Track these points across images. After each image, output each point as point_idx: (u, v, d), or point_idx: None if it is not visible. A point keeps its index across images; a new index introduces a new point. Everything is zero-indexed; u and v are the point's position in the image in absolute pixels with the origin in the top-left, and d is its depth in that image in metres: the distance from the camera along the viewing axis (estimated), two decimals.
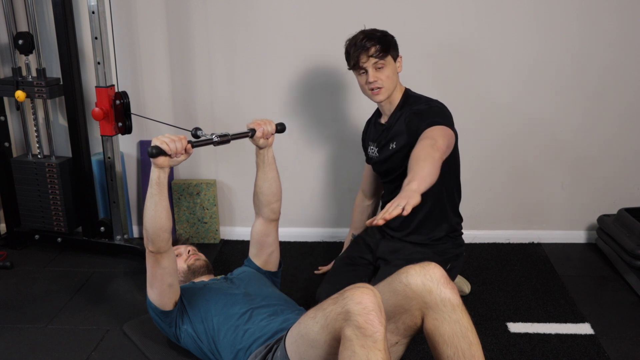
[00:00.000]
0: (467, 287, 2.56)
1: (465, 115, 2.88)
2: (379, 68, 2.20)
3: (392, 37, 2.25)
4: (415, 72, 2.83)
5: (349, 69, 2.29)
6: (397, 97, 2.30)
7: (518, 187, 3.02)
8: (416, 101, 2.26)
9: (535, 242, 3.06)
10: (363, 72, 2.23)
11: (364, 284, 1.56)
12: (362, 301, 1.49)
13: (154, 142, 1.77)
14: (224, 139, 1.95)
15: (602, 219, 2.92)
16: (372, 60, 2.18)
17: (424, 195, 2.24)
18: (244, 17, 2.83)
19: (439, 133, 2.05)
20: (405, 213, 1.65)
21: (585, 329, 2.31)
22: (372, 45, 2.17)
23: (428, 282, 1.62)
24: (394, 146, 2.26)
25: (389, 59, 2.21)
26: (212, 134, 1.94)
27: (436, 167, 1.87)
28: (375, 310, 1.48)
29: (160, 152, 1.77)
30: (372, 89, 2.23)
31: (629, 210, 2.81)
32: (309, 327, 1.61)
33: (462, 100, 2.87)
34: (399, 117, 2.25)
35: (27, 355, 2.18)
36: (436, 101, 2.27)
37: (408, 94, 2.31)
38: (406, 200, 1.68)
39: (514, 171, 2.99)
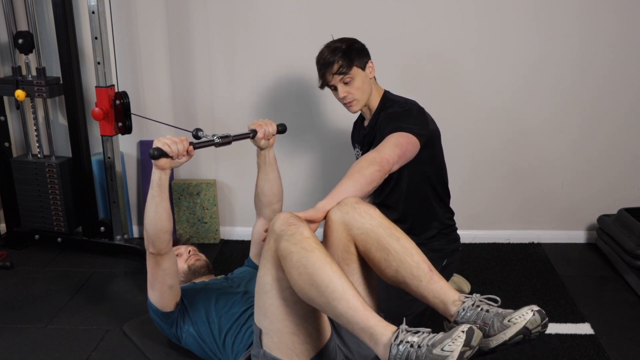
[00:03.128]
0: (467, 287, 2.56)
1: (465, 116, 2.88)
2: (347, 83, 2.18)
3: (357, 44, 2.20)
4: (414, 73, 2.83)
5: (320, 87, 2.26)
6: (376, 101, 2.27)
7: (518, 187, 3.02)
8: (392, 104, 2.24)
9: (535, 242, 3.07)
10: (334, 89, 2.22)
11: None
12: (279, 217, 1.64)
13: (156, 144, 1.77)
14: (226, 140, 1.94)
15: (602, 219, 2.92)
16: (338, 77, 2.16)
17: (408, 198, 2.27)
18: (244, 17, 2.83)
19: (393, 142, 2.00)
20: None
21: (585, 329, 2.31)
22: (334, 62, 2.14)
23: (343, 207, 1.75)
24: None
25: (355, 70, 2.17)
26: (214, 135, 1.93)
27: (362, 183, 1.84)
28: (292, 216, 1.62)
29: (161, 153, 1.76)
30: (345, 103, 2.22)
31: (629, 210, 2.81)
32: (258, 278, 1.69)
33: (462, 100, 2.87)
34: (377, 121, 2.24)
35: (27, 355, 2.18)
36: (411, 103, 2.23)
37: (386, 97, 2.28)
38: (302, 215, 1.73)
39: (514, 171, 2.99)
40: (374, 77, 2.27)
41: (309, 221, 1.73)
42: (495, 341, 1.52)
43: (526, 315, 1.50)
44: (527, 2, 2.74)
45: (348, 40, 2.20)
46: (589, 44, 2.79)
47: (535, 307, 1.52)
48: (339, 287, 1.49)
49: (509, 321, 1.51)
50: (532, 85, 2.86)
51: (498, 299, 1.61)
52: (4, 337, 2.29)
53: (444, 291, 1.64)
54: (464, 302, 1.60)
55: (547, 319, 1.52)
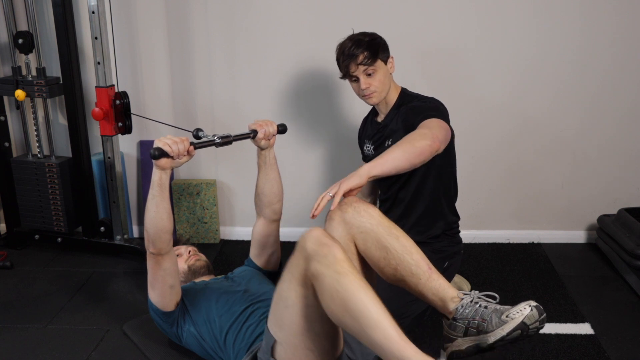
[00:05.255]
0: (467, 287, 2.56)
1: (464, 115, 2.88)
2: (370, 74, 2.19)
3: (381, 39, 2.23)
4: (414, 71, 2.83)
5: (341, 77, 2.28)
6: (394, 97, 2.30)
7: (518, 187, 3.02)
8: (412, 99, 2.27)
9: (535, 242, 3.07)
10: (355, 80, 2.23)
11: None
12: (310, 235, 1.56)
13: (156, 144, 1.77)
14: (226, 140, 1.94)
15: (602, 219, 2.92)
16: (362, 67, 2.17)
17: (419, 193, 2.27)
18: (243, 17, 2.83)
19: (436, 124, 2.04)
20: (333, 207, 1.73)
21: (585, 329, 2.31)
22: (360, 53, 2.15)
23: (343, 205, 1.76)
24: (390, 143, 2.26)
25: (379, 63, 2.19)
26: (214, 135, 1.94)
27: (411, 153, 1.84)
28: (325, 235, 1.55)
29: (162, 153, 1.76)
30: (365, 95, 2.23)
31: (629, 210, 2.81)
32: (280, 290, 1.65)
33: (461, 100, 2.87)
34: (395, 116, 2.26)
35: (27, 355, 2.17)
36: (432, 98, 2.27)
37: (404, 93, 2.31)
38: (338, 185, 1.74)
39: (514, 171, 3.00)
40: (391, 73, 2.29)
41: (351, 190, 1.74)
42: (494, 337, 1.53)
43: (524, 311, 1.51)
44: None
45: (371, 34, 2.22)
46: (590, 41, 2.79)
47: (533, 303, 1.52)
48: (374, 315, 1.43)
49: (506, 317, 1.51)
50: (531, 84, 2.86)
51: (496, 295, 1.62)
52: (4, 337, 2.29)
53: (443, 289, 1.65)
54: (462, 299, 1.61)
55: (544, 314, 1.53)
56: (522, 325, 1.50)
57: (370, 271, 1.81)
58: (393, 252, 1.69)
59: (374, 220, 1.73)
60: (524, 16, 2.77)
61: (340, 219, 1.75)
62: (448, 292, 1.64)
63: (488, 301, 1.60)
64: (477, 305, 1.58)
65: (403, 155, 1.83)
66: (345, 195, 1.75)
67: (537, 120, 2.91)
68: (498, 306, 1.57)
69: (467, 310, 1.59)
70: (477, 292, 1.63)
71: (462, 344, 1.60)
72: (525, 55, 2.82)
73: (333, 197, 1.73)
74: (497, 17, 2.78)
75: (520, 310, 1.51)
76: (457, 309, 1.60)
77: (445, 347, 1.67)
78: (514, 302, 2.46)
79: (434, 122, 2.05)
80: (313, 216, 1.72)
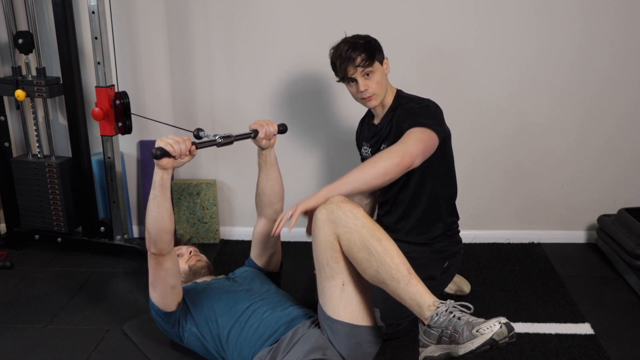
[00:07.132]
0: (467, 287, 2.56)
1: (464, 115, 2.88)
2: (368, 75, 2.18)
3: (375, 41, 2.22)
4: (414, 72, 2.84)
5: (338, 81, 2.26)
6: (389, 99, 2.29)
7: (518, 187, 3.02)
8: (408, 101, 2.25)
9: (535, 242, 3.07)
10: (353, 82, 2.22)
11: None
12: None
13: (158, 144, 1.77)
14: (228, 140, 1.95)
15: (602, 219, 2.92)
16: (360, 69, 2.16)
17: (418, 194, 2.28)
18: (243, 17, 2.83)
19: (416, 137, 2.02)
20: (290, 227, 1.83)
21: (585, 329, 2.32)
22: (357, 55, 2.15)
23: (329, 205, 1.80)
24: (385, 147, 2.25)
25: (376, 64, 2.19)
26: (216, 135, 1.94)
27: (371, 175, 1.90)
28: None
29: (164, 153, 1.76)
30: (364, 97, 2.22)
31: (629, 210, 2.81)
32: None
33: (461, 100, 2.87)
34: (391, 119, 2.25)
35: (27, 355, 2.17)
36: (427, 100, 2.24)
37: (400, 95, 2.30)
38: (295, 207, 1.85)
39: (514, 171, 3.00)
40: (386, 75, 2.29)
41: (307, 210, 1.82)
42: (464, 349, 1.58)
43: (493, 327, 1.55)
44: (526, 1, 2.74)
45: (365, 37, 2.22)
46: (590, 42, 2.79)
47: (503, 320, 1.57)
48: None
49: (477, 331, 1.56)
50: (531, 84, 2.86)
51: (471, 306, 1.66)
52: (4, 337, 2.29)
53: (420, 294, 1.69)
54: (438, 307, 1.66)
55: (514, 331, 1.58)
56: (491, 341, 1.55)
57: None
58: (375, 255, 1.72)
59: (358, 221, 1.76)
60: (524, 16, 2.77)
61: (326, 218, 1.78)
62: (425, 299, 1.68)
63: (462, 311, 1.65)
64: (452, 316, 1.62)
65: (362, 177, 1.90)
66: (306, 213, 1.86)
67: (537, 120, 2.91)
68: (471, 318, 1.61)
69: (441, 319, 1.63)
70: (452, 301, 1.67)
71: (435, 350, 1.66)
72: (525, 55, 2.82)
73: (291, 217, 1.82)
74: (497, 17, 2.78)
75: (490, 327, 1.56)
76: (432, 316, 1.65)
77: (419, 351, 1.73)
78: (514, 302, 2.49)
79: (415, 133, 2.03)
80: (273, 234, 1.85)
